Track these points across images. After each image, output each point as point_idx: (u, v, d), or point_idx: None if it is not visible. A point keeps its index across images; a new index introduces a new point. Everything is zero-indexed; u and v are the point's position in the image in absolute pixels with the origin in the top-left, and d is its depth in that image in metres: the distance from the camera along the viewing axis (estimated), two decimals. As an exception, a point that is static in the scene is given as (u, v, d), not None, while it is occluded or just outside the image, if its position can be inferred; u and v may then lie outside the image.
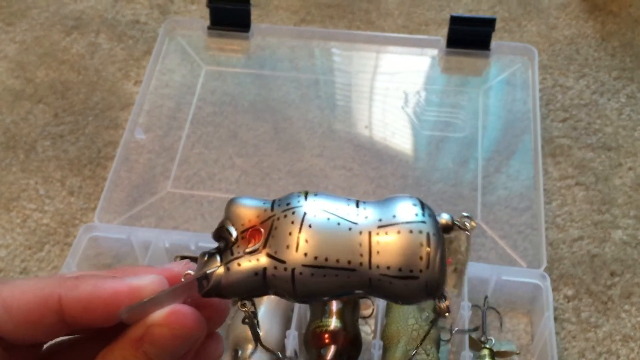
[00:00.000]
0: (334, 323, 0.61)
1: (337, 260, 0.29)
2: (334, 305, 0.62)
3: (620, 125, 0.82)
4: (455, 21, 0.83)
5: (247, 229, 0.30)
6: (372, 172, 0.77)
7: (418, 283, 0.29)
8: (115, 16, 0.94)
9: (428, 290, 0.29)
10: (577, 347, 0.65)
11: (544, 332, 0.62)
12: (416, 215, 0.30)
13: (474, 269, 0.65)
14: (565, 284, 0.69)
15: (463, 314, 0.62)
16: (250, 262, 0.29)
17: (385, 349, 0.60)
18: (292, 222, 0.29)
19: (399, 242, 0.29)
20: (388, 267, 0.29)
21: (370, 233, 0.29)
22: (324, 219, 0.29)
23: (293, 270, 0.28)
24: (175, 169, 0.77)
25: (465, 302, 0.63)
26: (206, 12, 0.86)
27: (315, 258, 0.29)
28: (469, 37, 0.83)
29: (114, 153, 0.77)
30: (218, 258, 0.30)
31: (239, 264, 0.29)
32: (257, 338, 0.33)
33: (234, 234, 0.30)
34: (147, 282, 0.30)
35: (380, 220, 0.30)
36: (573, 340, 0.66)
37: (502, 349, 0.64)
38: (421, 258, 0.29)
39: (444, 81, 0.86)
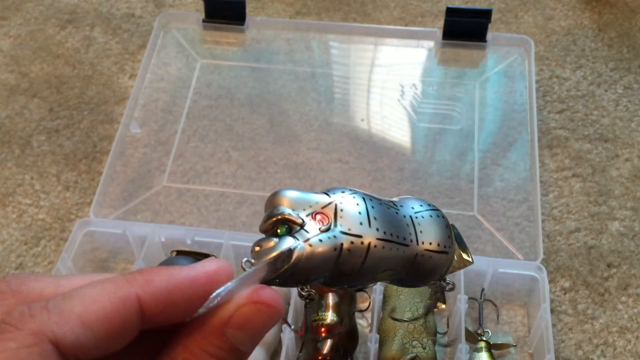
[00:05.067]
0: (330, 317, 0.61)
1: (397, 236, 0.33)
2: (331, 299, 0.62)
3: (617, 117, 0.82)
4: (451, 13, 0.82)
5: (311, 213, 0.31)
6: (369, 165, 0.77)
7: (447, 257, 0.35)
8: (110, 10, 0.94)
9: (450, 263, 0.35)
10: (573, 338, 0.65)
11: (541, 324, 0.62)
12: (430, 204, 0.36)
13: (471, 262, 0.65)
14: (562, 276, 0.69)
15: (460, 306, 0.62)
16: (329, 238, 0.31)
17: (382, 342, 0.60)
18: (357, 204, 0.32)
19: (434, 223, 0.35)
20: (430, 243, 0.34)
21: (411, 216, 0.34)
22: (378, 203, 0.33)
23: (369, 243, 0.31)
24: (171, 163, 0.76)
25: (462, 294, 0.63)
26: (201, 5, 0.86)
27: (384, 232, 0.32)
28: (465, 28, 0.82)
29: (110, 147, 0.77)
30: (291, 239, 0.30)
31: (320, 240, 0.30)
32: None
33: (302, 216, 0.31)
34: (216, 265, 0.28)
35: (412, 208, 0.35)
36: (570, 332, 0.66)
37: (499, 341, 0.64)
38: (449, 237, 0.35)
39: (441, 73, 0.85)
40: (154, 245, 0.67)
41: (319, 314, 0.61)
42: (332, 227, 0.31)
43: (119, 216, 0.72)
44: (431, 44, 0.86)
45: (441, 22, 0.84)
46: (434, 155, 0.77)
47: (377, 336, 0.60)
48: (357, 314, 0.65)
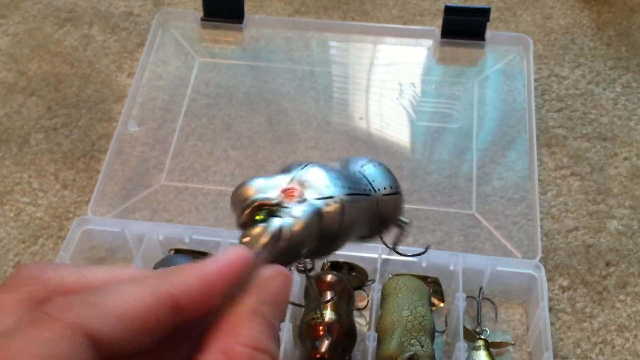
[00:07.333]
0: (328, 315, 0.60)
1: (359, 189, 0.36)
2: (329, 298, 0.62)
3: (616, 115, 0.82)
4: (449, 11, 0.82)
5: (280, 193, 0.33)
6: (367, 164, 0.76)
7: (401, 197, 0.39)
8: (109, 8, 0.93)
9: (403, 202, 0.39)
10: (572, 337, 0.65)
11: (539, 323, 0.62)
12: (367, 157, 0.39)
13: (469, 260, 0.65)
14: (561, 275, 0.69)
15: (458, 304, 0.62)
16: (308, 207, 0.33)
17: (380, 341, 0.60)
18: (317, 172, 0.34)
19: (379, 171, 0.38)
20: (385, 188, 0.38)
21: (359, 171, 0.38)
22: (330, 167, 0.36)
23: (341, 200, 0.33)
24: (169, 161, 0.76)
25: (460, 293, 0.63)
26: (199, 3, 0.86)
27: (349, 188, 0.35)
28: (463, 27, 0.82)
29: (108, 146, 0.77)
30: (276, 218, 0.32)
31: (301, 211, 0.32)
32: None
33: (275, 196, 0.33)
34: (236, 254, 0.29)
35: (356, 164, 0.38)
36: (568, 330, 0.66)
37: (497, 340, 0.64)
38: (395, 180, 0.39)
39: (439, 72, 0.85)
40: (152, 243, 0.67)
41: (317, 312, 0.61)
42: (304, 198, 0.33)
43: (117, 214, 0.71)
44: (430, 42, 0.85)
45: (440, 21, 0.84)
46: (432, 154, 0.77)
47: (376, 334, 0.60)
48: (355, 312, 0.65)
